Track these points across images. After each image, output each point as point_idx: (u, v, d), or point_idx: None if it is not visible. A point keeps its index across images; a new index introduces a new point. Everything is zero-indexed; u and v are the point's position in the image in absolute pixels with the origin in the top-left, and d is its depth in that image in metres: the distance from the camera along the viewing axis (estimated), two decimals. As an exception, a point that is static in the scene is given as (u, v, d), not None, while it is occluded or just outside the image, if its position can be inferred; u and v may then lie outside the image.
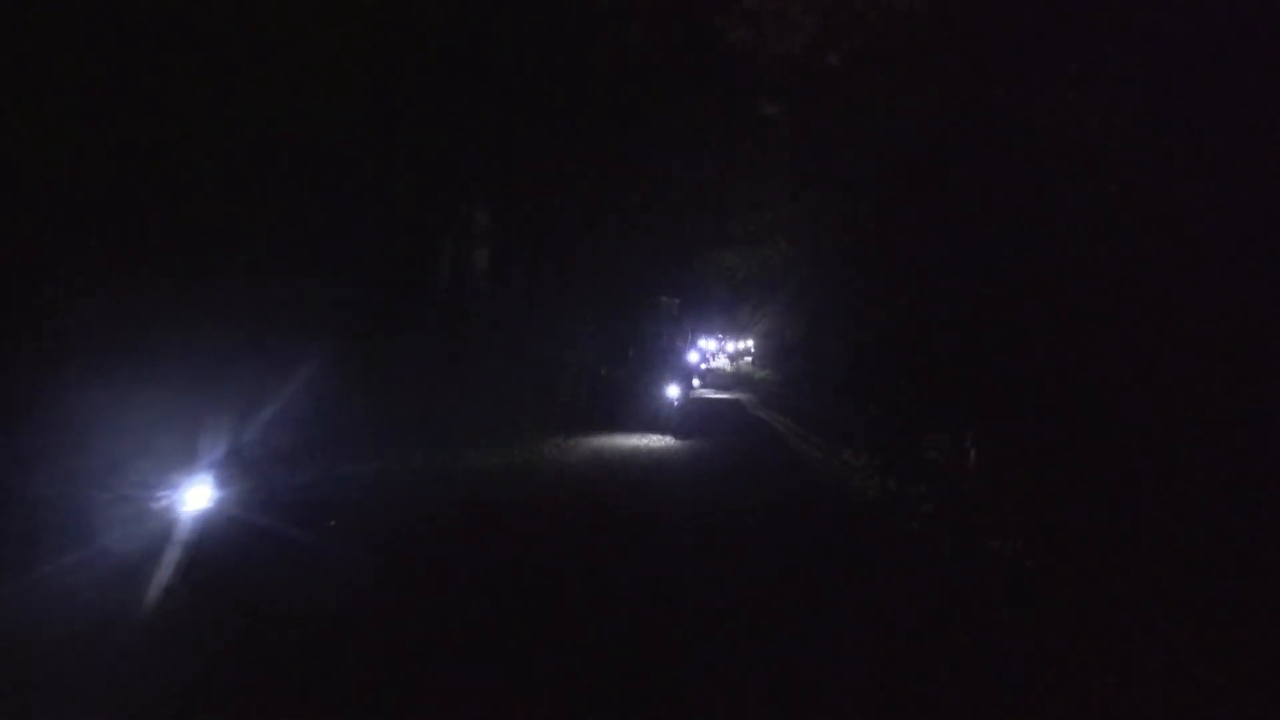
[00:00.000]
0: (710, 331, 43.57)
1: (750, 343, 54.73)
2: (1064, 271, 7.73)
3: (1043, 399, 8.82)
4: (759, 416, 22.75)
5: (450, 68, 10.25)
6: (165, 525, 6.77)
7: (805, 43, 12.54)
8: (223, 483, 7.59)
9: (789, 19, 11.64)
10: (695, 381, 29.47)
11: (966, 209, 10.88)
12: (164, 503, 7.05)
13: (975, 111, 8.01)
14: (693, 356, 34.05)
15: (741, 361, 53.79)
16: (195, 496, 7.01)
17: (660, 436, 16.13)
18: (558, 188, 16.46)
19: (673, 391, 17.21)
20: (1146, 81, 6.02)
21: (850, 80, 13.20)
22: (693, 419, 18.60)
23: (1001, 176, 7.68)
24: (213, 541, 6.75)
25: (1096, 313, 7.22)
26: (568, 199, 17.22)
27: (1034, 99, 7.15)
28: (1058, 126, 6.76)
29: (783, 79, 13.60)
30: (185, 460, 7.71)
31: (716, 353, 47.02)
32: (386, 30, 9.46)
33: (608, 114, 13.51)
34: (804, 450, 15.71)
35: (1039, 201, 7.01)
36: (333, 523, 7.81)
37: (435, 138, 11.43)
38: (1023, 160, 7.08)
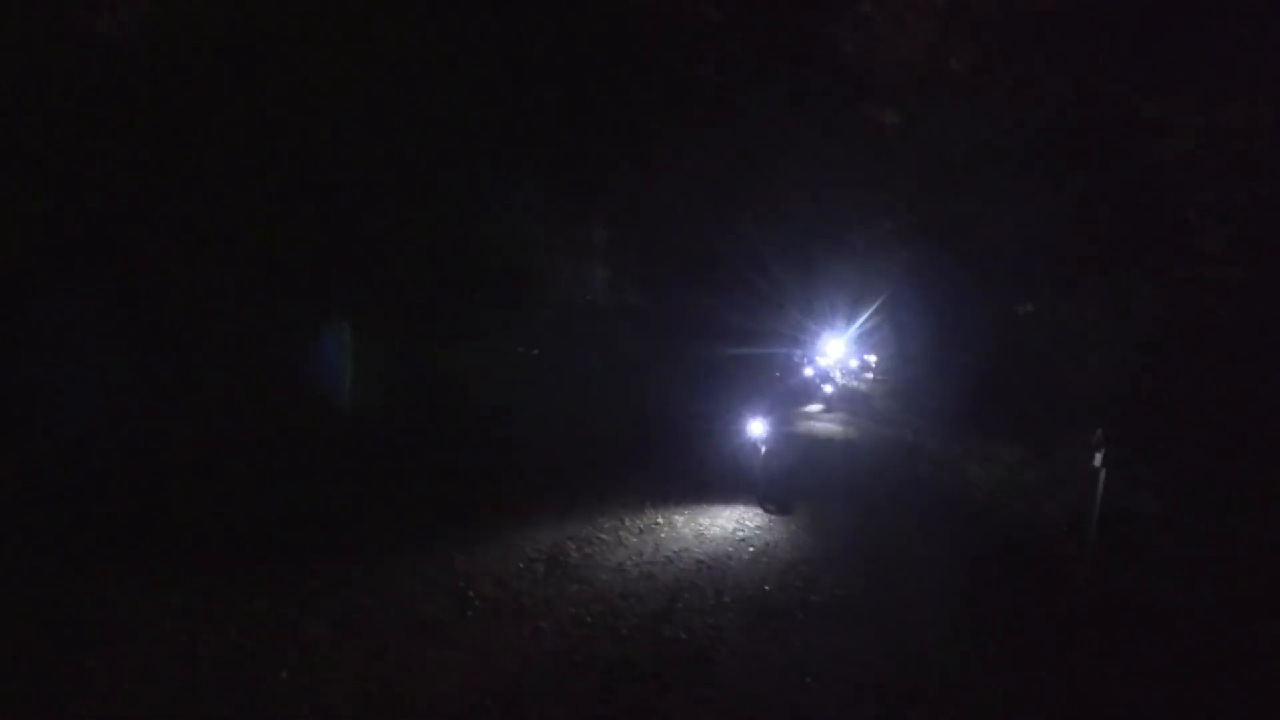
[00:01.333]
0: (831, 346, 42.61)
1: (872, 358, 53.08)
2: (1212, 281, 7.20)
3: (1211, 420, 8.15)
4: (890, 452, 16.82)
5: (564, 86, 10.66)
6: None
7: (924, 48, 12.22)
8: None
9: (906, 24, 11.36)
10: (815, 408, 26.44)
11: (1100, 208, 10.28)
12: None
13: (1105, 112, 7.60)
14: (810, 374, 32.36)
15: (863, 376, 52.32)
16: None
17: (746, 510, 9.26)
18: (672, 202, 16.66)
19: (758, 429, 10.71)
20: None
21: (974, 84, 12.74)
22: (804, 465, 12.60)
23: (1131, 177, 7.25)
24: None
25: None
26: (682, 213, 17.40)
27: (1168, 99, 6.73)
28: (1193, 127, 6.33)
29: (901, 85, 13.28)
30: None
31: (837, 368, 45.89)
32: (503, 60, 9.98)
33: (720, 127, 13.60)
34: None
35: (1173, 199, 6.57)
36: None
37: (553, 155, 11.88)
38: (1153, 161, 6.66)
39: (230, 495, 7.11)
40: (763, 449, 10.58)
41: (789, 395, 22.79)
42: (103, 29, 7.21)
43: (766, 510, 9.22)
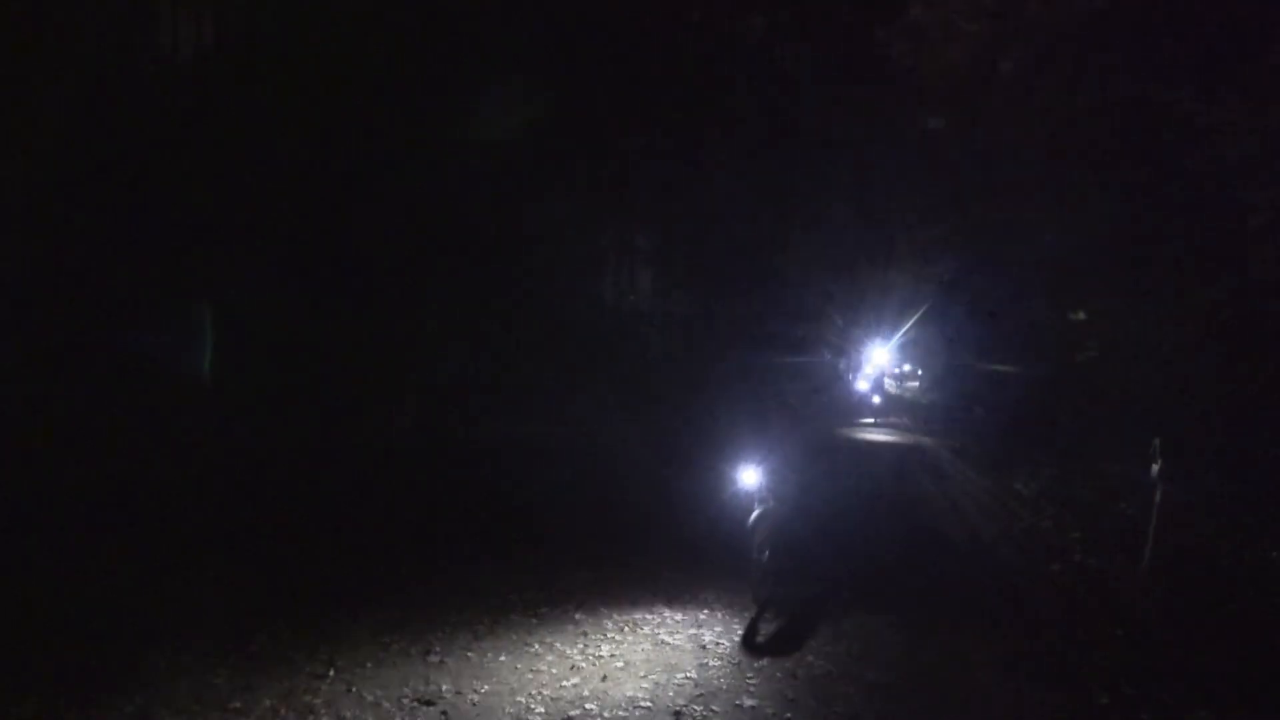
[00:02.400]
0: (876, 354, 41.74)
1: (918, 370, 52.05)
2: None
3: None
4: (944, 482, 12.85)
5: (615, 97, 10.78)
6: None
7: (973, 51, 12.10)
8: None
9: (954, 28, 11.28)
10: (865, 420, 24.48)
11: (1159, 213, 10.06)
12: None
13: (1157, 115, 7.44)
14: (864, 387, 30.19)
15: (908, 386, 51.43)
16: None
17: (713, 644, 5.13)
18: (720, 209, 16.70)
19: (753, 478, 6.28)
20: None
21: (1024, 87, 12.57)
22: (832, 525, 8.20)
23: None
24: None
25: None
26: (730, 221, 17.42)
27: (1223, 101, 6.57)
28: (1248, 130, 6.17)
29: (950, 90, 13.16)
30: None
31: (882, 378, 44.79)
32: (554, 75, 10.17)
33: (768, 135, 13.59)
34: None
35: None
36: None
37: (601, 161, 12.00)
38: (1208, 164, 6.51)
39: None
40: (756, 511, 6.13)
41: (829, 410, 21.00)
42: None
43: (750, 641, 5.23)
